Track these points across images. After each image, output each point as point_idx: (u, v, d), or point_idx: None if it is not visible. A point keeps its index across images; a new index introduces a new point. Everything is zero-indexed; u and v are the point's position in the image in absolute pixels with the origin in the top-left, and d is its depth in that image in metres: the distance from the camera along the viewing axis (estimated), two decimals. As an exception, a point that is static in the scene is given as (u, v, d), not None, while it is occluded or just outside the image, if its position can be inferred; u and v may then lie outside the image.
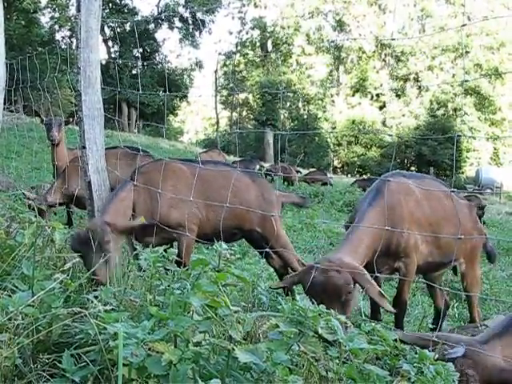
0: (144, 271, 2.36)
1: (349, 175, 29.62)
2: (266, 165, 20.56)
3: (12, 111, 10.15)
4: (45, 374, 1.70)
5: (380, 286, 3.91)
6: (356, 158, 43.25)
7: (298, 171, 19.82)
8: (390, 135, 41.93)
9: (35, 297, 1.87)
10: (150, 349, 1.52)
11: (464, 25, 2.32)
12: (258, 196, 4.20)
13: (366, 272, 2.94)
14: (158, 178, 3.67)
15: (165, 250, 2.20)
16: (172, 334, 1.55)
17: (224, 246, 1.93)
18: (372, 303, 3.88)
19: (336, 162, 44.82)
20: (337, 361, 1.58)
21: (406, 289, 3.63)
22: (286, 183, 18.22)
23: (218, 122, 42.92)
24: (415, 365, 1.62)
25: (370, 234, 3.21)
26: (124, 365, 1.45)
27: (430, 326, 4.21)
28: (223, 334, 1.72)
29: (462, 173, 39.92)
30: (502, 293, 6.41)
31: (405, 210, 3.44)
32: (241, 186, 4.12)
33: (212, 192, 3.92)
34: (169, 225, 3.69)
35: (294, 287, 4.46)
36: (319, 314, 1.54)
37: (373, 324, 1.85)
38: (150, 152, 7.21)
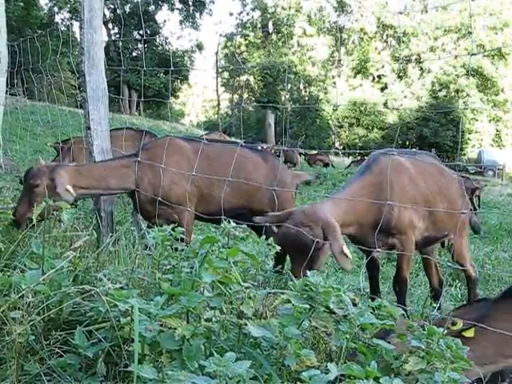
0: (150, 249, 2.37)
1: (350, 157, 29.49)
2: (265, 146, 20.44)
3: (13, 94, 10.10)
4: (57, 350, 1.72)
5: (379, 266, 3.92)
6: (357, 140, 43.10)
7: (300, 153, 19.74)
8: (390, 109, 41.57)
9: (46, 275, 1.87)
10: (161, 325, 1.53)
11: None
12: (269, 176, 4.04)
13: (336, 227, 2.93)
14: (161, 153, 3.65)
15: (172, 229, 2.20)
16: (184, 309, 1.56)
17: (232, 223, 1.93)
18: (371, 283, 3.87)
19: (337, 144, 44.68)
20: (347, 336, 1.60)
21: (405, 267, 3.59)
22: (287, 165, 18.19)
23: (219, 104, 42.64)
24: (423, 340, 1.63)
25: (352, 202, 3.22)
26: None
27: (434, 305, 4.21)
28: (231, 312, 1.73)
29: (464, 154, 39.81)
30: (505, 273, 6.41)
31: (396, 187, 3.38)
32: (248, 164, 4.03)
33: (216, 169, 3.85)
34: (169, 201, 3.67)
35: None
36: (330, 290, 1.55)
37: (380, 300, 1.85)
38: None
